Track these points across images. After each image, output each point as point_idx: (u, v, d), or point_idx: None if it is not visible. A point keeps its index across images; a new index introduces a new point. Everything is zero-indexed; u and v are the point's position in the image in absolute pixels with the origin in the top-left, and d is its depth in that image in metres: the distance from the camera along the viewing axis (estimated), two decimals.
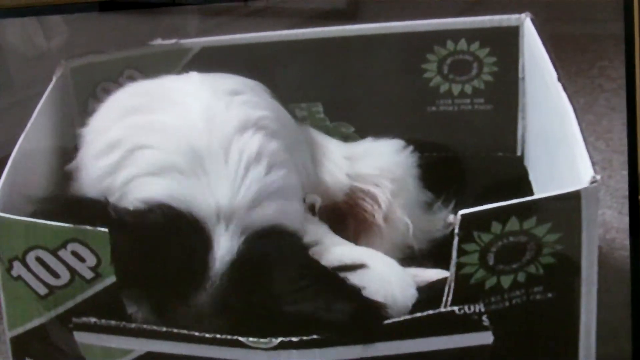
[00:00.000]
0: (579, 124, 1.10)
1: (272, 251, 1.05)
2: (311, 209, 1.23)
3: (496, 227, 0.99)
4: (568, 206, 1.00)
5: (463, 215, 0.98)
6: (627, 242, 1.48)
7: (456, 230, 0.98)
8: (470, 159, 1.45)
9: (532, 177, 1.41)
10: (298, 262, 1.06)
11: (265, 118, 1.17)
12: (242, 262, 1.03)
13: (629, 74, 1.16)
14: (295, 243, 1.08)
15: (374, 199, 1.32)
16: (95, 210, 1.05)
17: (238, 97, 1.18)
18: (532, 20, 1.39)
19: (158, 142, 1.10)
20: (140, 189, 1.08)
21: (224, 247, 1.04)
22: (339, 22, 1.46)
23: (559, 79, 1.19)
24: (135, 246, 1.01)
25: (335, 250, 1.20)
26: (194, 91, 1.18)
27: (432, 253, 1.33)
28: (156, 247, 1.03)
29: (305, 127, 1.38)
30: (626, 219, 1.51)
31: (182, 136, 1.10)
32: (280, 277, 1.03)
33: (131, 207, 1.06)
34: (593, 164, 1.03)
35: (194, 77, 1.23)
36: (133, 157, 1.10)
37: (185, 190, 1.05)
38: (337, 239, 1.24)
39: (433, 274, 1.23)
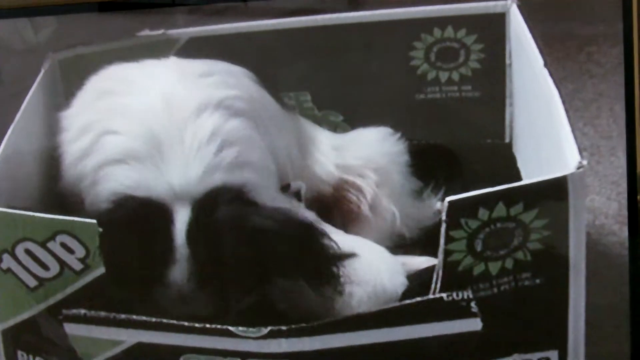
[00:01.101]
0: (566, 109, 1.10)
1: (218, 211, 1.06)
2: (297, 195, 1.23)
3: (483, 213, 0.98)
4: (555, 192, 1.00)
5: (450, 202, 0.97)
6: (615, 227, 1.49)
7: (443, 217, 0.98)
8: (459, 146, 1.45)
9: (521, 163, 1.41)
10: (246, 212, 1.07)
11: (230, 98, 1.17)
12: (194, 230, 1.05)
13: (627, 75, 1.16)
14: (237, 195, 1.08)
15: (359, 190, 1.33)
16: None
17: (207, 78, 1.19)
18: (519, 7, 1.39)
19: (122, 127, 1.12)
20: (106, 181, 1.10)
21: (180, 221, 1.06)
22: None
23: (546, 65, 1.19)
24: (111, 243, 1.02)
25: None
26: (160, 74, 1.20)
27: (423, 241, 1.34)
28: (130, 238, 1.05)
29: (296, 116, 1.38)
30: (615, 205, 1.53)
31: (143, 120, 1.12)
32: (232, 233, 1.05)
33: (102, 201, 1.09)
34: (580, 149, 1.02)
35: (169, 61, 1.25)
36: (101, 143, 1.13)
37: (144, 178, 1.08)
38: (325, 226, 1.24)
39: (422, 262, 1.23)
